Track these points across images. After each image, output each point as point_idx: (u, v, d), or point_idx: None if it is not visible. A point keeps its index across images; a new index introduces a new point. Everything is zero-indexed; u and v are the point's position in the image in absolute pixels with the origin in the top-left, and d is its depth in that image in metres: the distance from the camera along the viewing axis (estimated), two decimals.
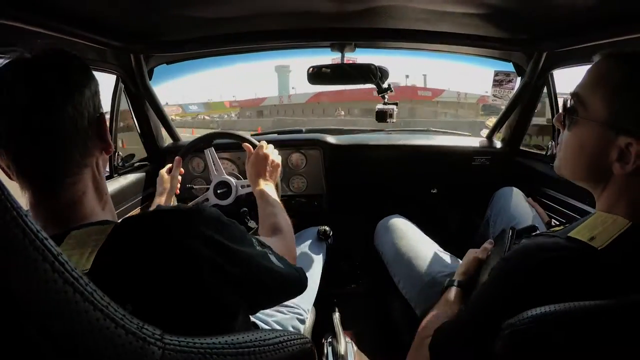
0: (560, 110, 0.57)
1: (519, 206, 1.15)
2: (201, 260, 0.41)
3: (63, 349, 0.25)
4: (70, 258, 0.38)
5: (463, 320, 0.58)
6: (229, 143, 1.42)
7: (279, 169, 1.00)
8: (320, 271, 1.13)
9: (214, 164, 1.21)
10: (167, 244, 0.41)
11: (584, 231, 0.49)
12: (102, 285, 0.30)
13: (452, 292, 0.76)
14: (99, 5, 0.80)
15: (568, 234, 0.50)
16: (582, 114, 0.53)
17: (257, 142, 1.05)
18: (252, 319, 0.76)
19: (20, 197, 0.26)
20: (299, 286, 0.62)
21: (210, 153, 1.22)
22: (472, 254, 0.85)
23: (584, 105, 0.52)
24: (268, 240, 0.63)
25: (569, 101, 0.55)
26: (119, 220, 0.46)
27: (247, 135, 1.15)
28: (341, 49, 1.24)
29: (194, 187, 1.47)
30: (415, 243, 1.09)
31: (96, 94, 0.50)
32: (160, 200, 1.06)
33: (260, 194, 0.89)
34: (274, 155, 0.99)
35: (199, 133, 1.45)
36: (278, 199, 0.91)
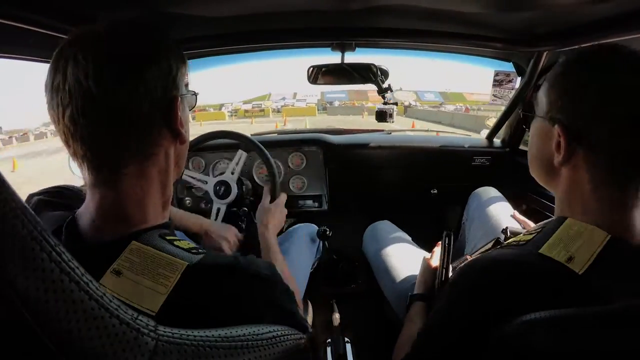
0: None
1: (493, 208, 1.10)
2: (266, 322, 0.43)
3: (57, 336, 0.26)
4: (136, 286, 0.38)
5: (422, 341, 0.52)
6: (230, 143, 1.43)
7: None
8: (310, 268, 1.15)
9: (236, 166, 1.26)
10: (244, 309, 0.42)
11: (558, 248, 0.44)
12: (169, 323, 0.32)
13: (415, 309, 0.72)
14: (97, 5, 0.80)
15: (539, 250, 0.45)
16: (535, 111, 0.55)
17: (278, 194, 1.10)
18: None
19: (19, 190, 0.26)
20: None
21: (242, 156, 1.27)
22: (426, 261, 0.82)
23: (536, 102, 0.54)
24: None
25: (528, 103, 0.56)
26: (194, 262, 0.41)
27: (277, 176, 1.18)
28: (341, 49, 1.24)
29: (194, 187, 1.47)
30: (398, 251, 1.07)
31: (168, 74, 0.43)
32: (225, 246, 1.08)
33: (267, 241, 0.93)
34: (285, 212, 1.06)
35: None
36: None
